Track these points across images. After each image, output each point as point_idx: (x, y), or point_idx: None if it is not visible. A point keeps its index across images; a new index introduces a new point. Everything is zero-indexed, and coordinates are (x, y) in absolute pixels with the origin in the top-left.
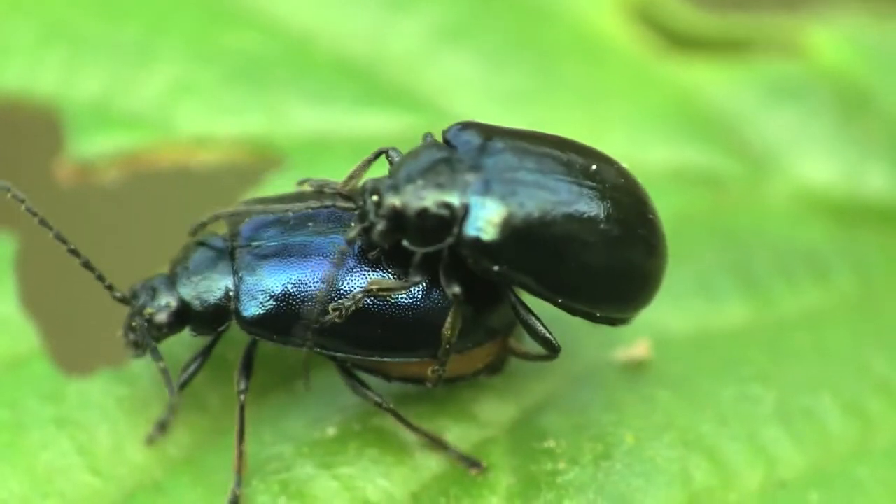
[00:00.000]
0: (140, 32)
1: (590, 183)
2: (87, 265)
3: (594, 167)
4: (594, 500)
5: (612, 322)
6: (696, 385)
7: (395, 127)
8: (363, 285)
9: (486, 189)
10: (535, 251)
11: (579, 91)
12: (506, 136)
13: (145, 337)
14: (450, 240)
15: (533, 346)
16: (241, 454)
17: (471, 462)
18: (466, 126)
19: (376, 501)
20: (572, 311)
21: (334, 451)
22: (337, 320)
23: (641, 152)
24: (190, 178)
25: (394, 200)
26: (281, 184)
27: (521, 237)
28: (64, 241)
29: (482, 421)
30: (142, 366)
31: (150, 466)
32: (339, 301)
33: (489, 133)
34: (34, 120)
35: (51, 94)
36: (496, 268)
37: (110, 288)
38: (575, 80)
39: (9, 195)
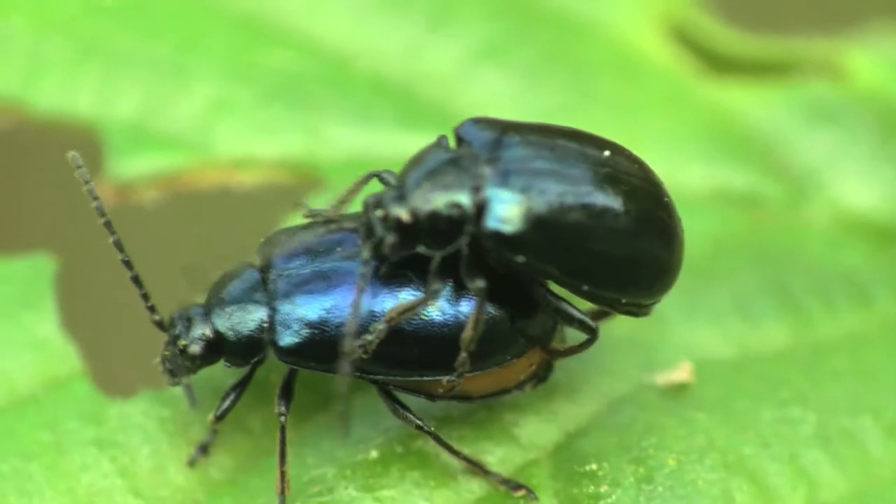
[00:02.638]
0: (176, 51)
1: (605, 169)
2: (136, 280)
3: (607, 153)
4: None
5: (636, 311)
6: (736, 407)
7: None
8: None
9: (504, 181)
10: (558, 239)
11: (615, 109)
12: (518, 128)
13: (178, 368)
14: (464, 239)
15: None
16: (283, 476)
17: (513, 485)
18: (478, 121)
19: None
20: (596, 300)
21: (377, 473)
22: (363, 356)
23: (679, 172)
24: (229, 199)
25: (400, 211)
26: (321, 204)
27: (542, 226)
28: (121, 250)
29: (524, 444)
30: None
31: (191, 488)
32: (363, 337)
33: (502, 126)
34: (72, 140)
35: (88, 113)
36: (520, 258)
37: (152, 309)
38: (611, 98)
39: (84, 188)
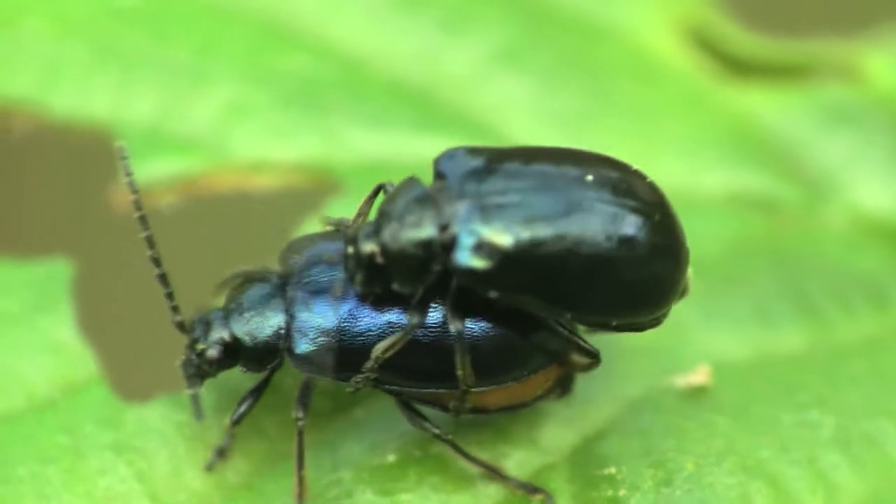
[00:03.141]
0: (193, 54)
1: (583, 194)
2: (162, 278)
3: (590, 177)
4: None
5: (635, 328)
6: (754, 411)
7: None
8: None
9: (473, 216)
10: (530, 271)
11: (634, 113)
12: (495, 156)
13: (197, 371)
14: (431, 277)
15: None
16: (301, 480)
17: (531, 489)
18: (454, 153)
19: None
20: (588, 324)
21: (394, 477)
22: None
23: (696, 176)
24: (246, 204)
25: (368, 248)
26: (339, 209)
27: (513, 261)
28: (151, 246)
29: (543, 447)
30: (201, 391)
31: (209, 493)
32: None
33: (479, 156)
34: (88, 143)
35: (105, 117)
36: (493, 293)
37: (175, 309)
38: (629, 102)
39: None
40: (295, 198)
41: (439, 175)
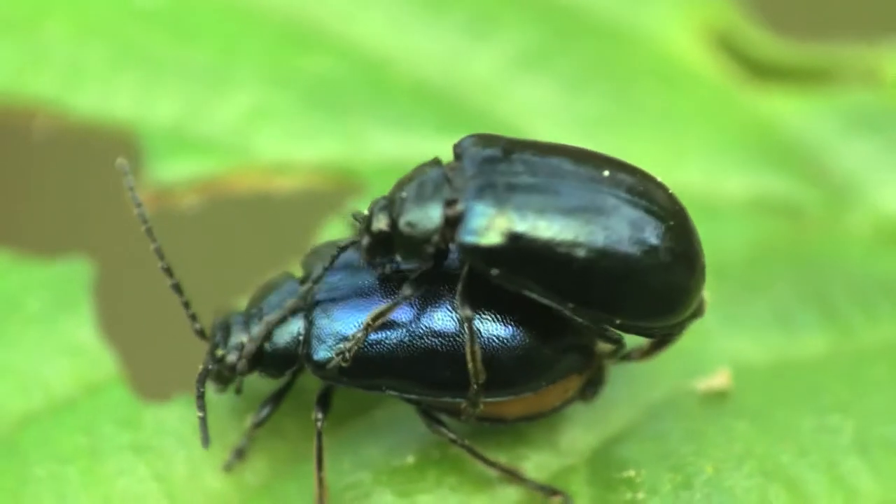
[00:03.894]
0: (214, 56)
1: (596, 188)
2: (176, 288)
3: (606, 173)
4: None
5: (648, 333)
6: (774, 415)
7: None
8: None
9: (481, 194)
10: (533, 254)
11: (657, 117)
12: (515, 145)
13: (219, 377)
14: (432, 249)
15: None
16: (321, 482)
17: (549, 491)
18: (475, 137)
19: None
20: (591, 319)
21: (413, 479)
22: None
23: (720, 180)
24: (269, 205)
25: (380, 219)
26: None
27: (515, 240)
28: (161, 258)
29: (562, 450)
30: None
31: (227, 494)
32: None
33: (497, 142)
34: (111, 144)
35: (127, 118)
36: (494, 272)
37: (193, 318)
38: (653, 106)
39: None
40: (317, 199)
41: (457, 157)
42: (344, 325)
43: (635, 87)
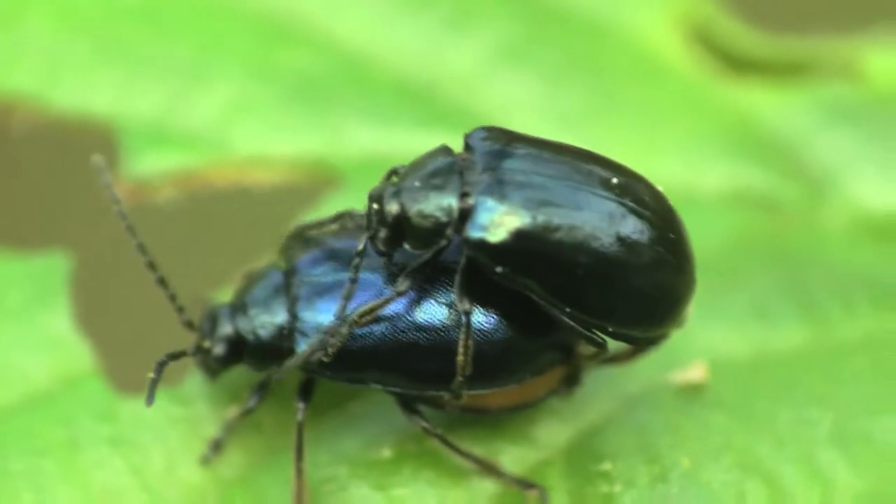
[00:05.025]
0: (195, 50)
1: (605, 194)
2: (161, 281)
3: (615, 180)
4: None
5: (633, 340)
6: (752, 408)
7: (454, 147)
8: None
9: (493, 190)
10: (539, 255)
11: (636, 111)
12: (526, 142)
13: (206, 367)
14: (444, 242)
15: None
16: (299, 473)
17: (525, 484)
18: (488, 130)
19: None
20: (580, 324)
21: (390, 472)
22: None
23: (698, 174)
24: (246, 199)
25: (393, 206)
26: (338, 204)
27: (523, 239)
28: (144, 253)
29: (538, 443)
30: (195, 385)
31: (203, 487)
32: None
33: (509, 137)
34: (91, 139)
35: (106, 113)
36: (499, 269)
37: (180, 310)
38: (632, 100)
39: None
40: (295, 193)
41: (468, 148)
42: (328, 317)
43: (614, 82)
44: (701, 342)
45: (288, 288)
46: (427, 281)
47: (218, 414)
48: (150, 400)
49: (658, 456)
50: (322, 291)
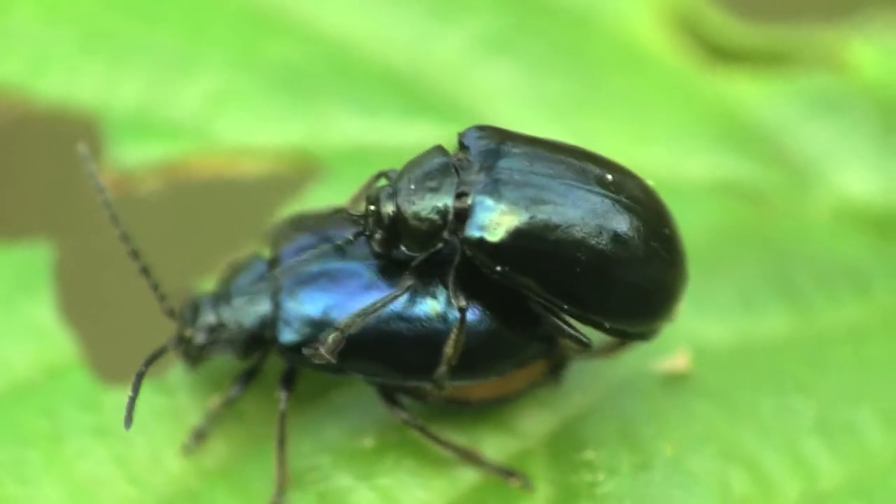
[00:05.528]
0: (180, 41)
1: (601, 191)
2: (144, 271)
3: (609, 177)
4: None
5: (626, 336)
6: (736, 396)
7: (439, 136)
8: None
9: (491, 189)
10: (537, 254)
11: (621, 101)
12: (521, 140)
13: (188, 356)
14: (441, 244)
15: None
16: (281, 463)
17: (507, 473)
18: (482, 129)
19: None
20: (579, 320)
21: (372, 461)
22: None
23: (682, 163)
24: (231, 189)
25: (389, 208)
26: (322, 195)
27: (522, 238)
28: (127, 242)
29: (520, 432)
30: (179, 375)
31: (186, 476)
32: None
33: (504, 136)
34: (74, 129)
35: (91, 102)
36: (498, 268)
37: (162, 298)
38: (617, 90)
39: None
40: (279, 184)
41: (463, 147)
42: (311, 307)
43: (600, 72)
44: (685, 330)
45: (272, 277)
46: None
47: (201, 404)
48: (128, 423)
49: (641, 444)
50: (306, 281)
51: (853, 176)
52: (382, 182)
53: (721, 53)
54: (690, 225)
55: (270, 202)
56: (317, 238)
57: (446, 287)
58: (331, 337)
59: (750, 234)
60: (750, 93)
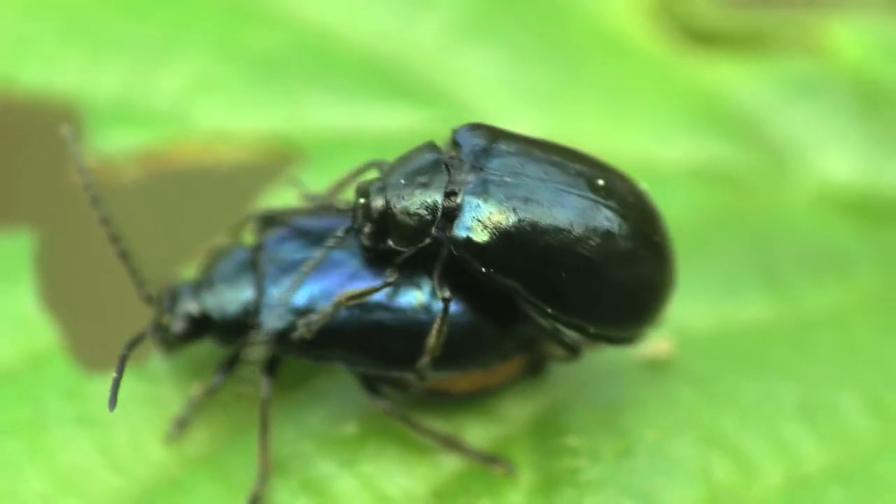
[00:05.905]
0: (160, 29)
1: (592, 196)
2: (123, 255)
3: (601, 182)
4: (615, 498)
5: (610, 340)
6: (718, 382)
7: (418, 123)
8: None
9: (481, 190)
10: (524, 257)
11: (601, 87)
12: (514, 140)
13: (165, 343)
14: (429, 240)
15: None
16: (264, 450)
17: (490, 459)
18: (475, 127)
19: (397, 499)
20: (567, 326)
21: (355, 448)
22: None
23: (663, 148)
24: (209, 176)
25: (380, 202)
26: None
27: (510, 241)
28: (108, 225)
29: (503, 418)
30: (160, 363)
31: (169, 464)
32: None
33: (497, 136)
34: (53, 117)
35: (71, 91)
36: (483, 269)
37: (141, 284)
38: (597, 76)
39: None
40: (258, 170)
41: (455, 145)
42: (295, 295)
43: (579, 57)
44: (668, 316)
45: (255, 264)
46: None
47: (183, 392)
48: (112, 405)
49: (624, 430)
50: (290, 268)
51: (834, 159)
52: (372, 173)
53: (700, 37)
54: (671, 210)
55: (250, 189)
56: (300, 226)
57: (430, 278)
58: (311, 321)
59: (731, 219)
60: (729, 77)
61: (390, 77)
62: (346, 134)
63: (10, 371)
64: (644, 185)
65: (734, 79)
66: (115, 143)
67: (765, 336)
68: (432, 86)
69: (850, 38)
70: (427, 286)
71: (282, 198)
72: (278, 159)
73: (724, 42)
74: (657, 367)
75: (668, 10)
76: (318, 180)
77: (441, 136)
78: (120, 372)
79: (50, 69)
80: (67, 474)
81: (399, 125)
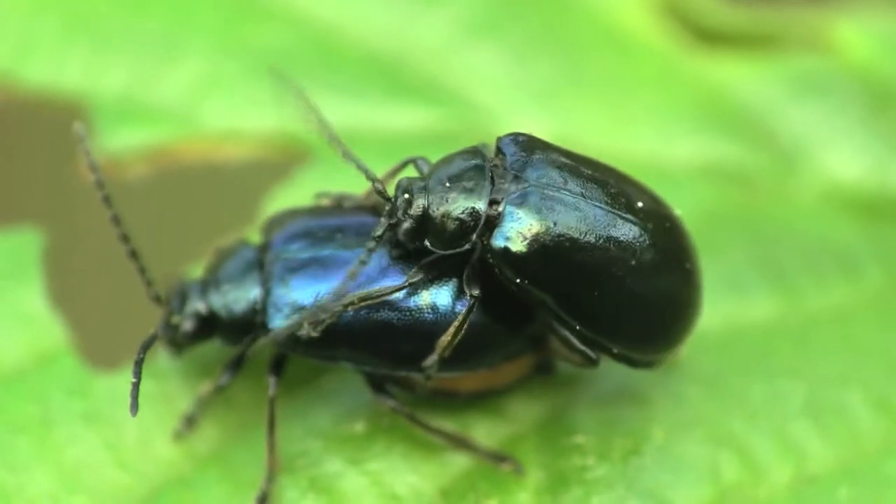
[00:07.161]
0: (165, 26)
1: (630, 218)
2: (132, 255)
3: (640, 204)
4: (623, 497)
5: (633, 363)
6: (725, 381)
7: (423, 121)
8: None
9: (523, 201)
10: (559, 272)
11: (606, 84)
12: (557, 153)
13: (174, 343)
14: (468, 245)
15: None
16: (272, 448)
17: (498, 458)
18: (520, 136)
19: (405, 497)
20: (589, 342)
21: (363, 446)
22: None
23: (669, 146)
24: (216, 174)
25: (422, 201)
26: (308, 179)
27: (547, 255)
28: (118, 224)
29: (511, 417)
30: (170, 361)
31: (177, 462)
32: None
33: (541, 147)
34: (60, 115)
35: (76, 89)
36: (518, 280)
37: (149, 283)
38: (602, 73)
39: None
40: (265, 168)
41: (499, 152)
42: (301, 294)
43: (585, 55)
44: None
45: (262, 264)
46: (402, 263)
47: (192, 389)
48: (133, 409)
49: (631, 429)
50: (296, 268)
51: (840, 158)
52: (410, 171)
53: (707, 36)
54: (678, 208)
55: (257, 187)
56: (307, 226)
57: (440, 279)
58: (322, 316)
59: (737, 217)
60: (736, 75)
61: (396, 75)
62: (353, 131)
63: (17, 369)
64: (678, 212)
65: (740, 77)
66: (121, 141)
67: (771, 335)
68: (438, 84)
69: (856, 37)
70: (435, 286)
71: (289, 197)
72: (285, 156)
73: (730, 40)
74: (665, 366)
75: (674, 9)
76: (324, 178)
77: (447, 135)
78: (138, 376)
79: (55, 67)
80: (75, 472)
81: (405, 123)
